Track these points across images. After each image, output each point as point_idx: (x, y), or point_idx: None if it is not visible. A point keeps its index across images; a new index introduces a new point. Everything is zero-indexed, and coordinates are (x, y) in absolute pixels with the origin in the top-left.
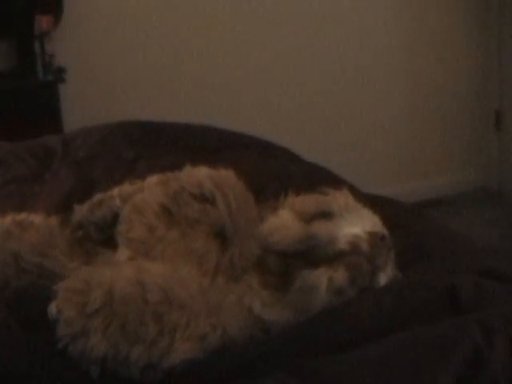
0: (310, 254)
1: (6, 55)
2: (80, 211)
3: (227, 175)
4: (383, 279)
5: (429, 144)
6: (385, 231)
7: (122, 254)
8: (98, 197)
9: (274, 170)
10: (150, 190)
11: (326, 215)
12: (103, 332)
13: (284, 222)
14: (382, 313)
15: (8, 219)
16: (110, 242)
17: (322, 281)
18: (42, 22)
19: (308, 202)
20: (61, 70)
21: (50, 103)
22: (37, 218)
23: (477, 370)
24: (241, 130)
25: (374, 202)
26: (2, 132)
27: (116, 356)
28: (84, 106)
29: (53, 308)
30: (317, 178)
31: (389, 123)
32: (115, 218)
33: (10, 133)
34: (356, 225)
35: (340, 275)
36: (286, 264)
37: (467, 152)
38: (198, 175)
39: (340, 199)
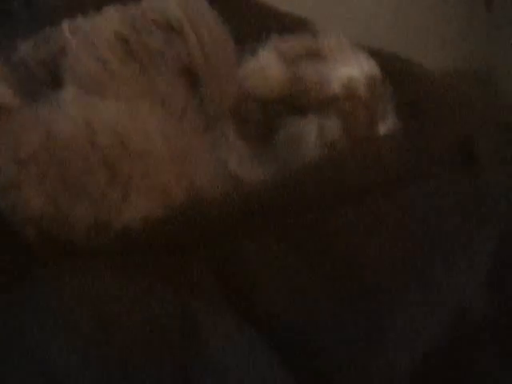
0: (297, 100)
1: None
2: (23, 47)
3: (199, 3)
4: (382, 130)
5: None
6: (382, 75)
7: (68, 92)
8: (44, 31)
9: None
10: (105, 16)
11: (315, 56)
12: (40, 183)
13: (266, 63)
14: (383, 166)
15: None
16: (57, 84)
17: (311, 130)
18: None
19: (294, 42)
20: None
21: None
22: None
23: None
24: None
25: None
26: None
27: (56, 213)
28: None
29: None
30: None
31: None
32: (64, 53)
33: None
34: (352, 66)
35: (332, 123)
36: (269, 112)
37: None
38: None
39: (332, 40)
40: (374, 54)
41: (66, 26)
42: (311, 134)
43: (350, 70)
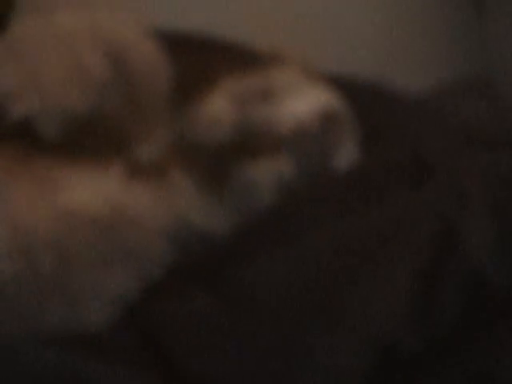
0: (248, 145)
1: None
2: None
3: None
4: (341, 161)
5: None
6: (339, 106)
7: None
8: None
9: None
10: None
11: (266, 94)
12: None
13: (215, 108)
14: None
15: None
16: None
17: (264, 175)
18: None
19: (245, 82)
20: None
21: None
22: None
23: (448, 250)
24: None
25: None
26: None
27: None
28: None
29: None
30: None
31: None
32: None
33: None
34: (301, 103)
35: (284, 165)
36: (221, 160)
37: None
38: None
39: (284, 74)
40: (339, 81)
41: None
42: (264, 180)
43: (301, 105)
